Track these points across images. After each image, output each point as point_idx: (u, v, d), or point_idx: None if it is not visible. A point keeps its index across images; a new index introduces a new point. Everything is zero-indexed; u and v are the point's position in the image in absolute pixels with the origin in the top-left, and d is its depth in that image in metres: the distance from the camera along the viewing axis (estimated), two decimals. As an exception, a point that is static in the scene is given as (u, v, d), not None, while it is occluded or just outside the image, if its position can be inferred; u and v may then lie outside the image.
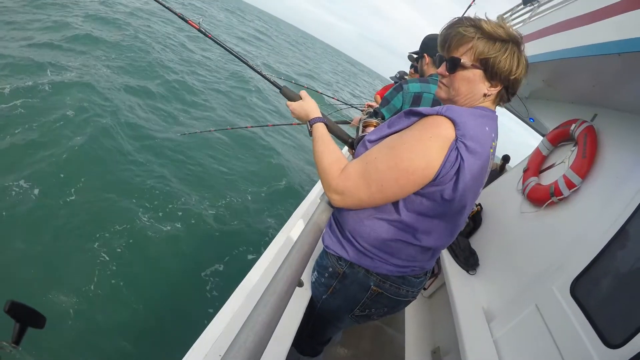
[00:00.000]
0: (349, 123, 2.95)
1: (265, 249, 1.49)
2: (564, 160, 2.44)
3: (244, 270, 1.33)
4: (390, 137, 0.86)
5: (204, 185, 5.05)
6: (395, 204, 0.86)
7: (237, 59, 1.20)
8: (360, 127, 1.21)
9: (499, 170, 5.25)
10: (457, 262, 2.48)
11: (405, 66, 3.09)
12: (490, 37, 0.82)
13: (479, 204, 2.88)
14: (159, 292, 3.25)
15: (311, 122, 1.04)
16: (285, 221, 1.78)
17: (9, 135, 4.16)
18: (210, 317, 1.06)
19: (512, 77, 0.84)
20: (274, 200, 5.49)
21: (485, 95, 0.87)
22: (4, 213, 3.27)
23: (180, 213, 4.28)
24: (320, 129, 1.01)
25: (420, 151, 0.77)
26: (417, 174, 0.78)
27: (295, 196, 5.70)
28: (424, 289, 2.70)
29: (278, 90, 1.15)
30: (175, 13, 1.23)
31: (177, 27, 13.63)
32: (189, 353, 0.95)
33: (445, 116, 0.78)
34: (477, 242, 2.70)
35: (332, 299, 1.06)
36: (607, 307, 1.43)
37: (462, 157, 0.77)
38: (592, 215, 1.91)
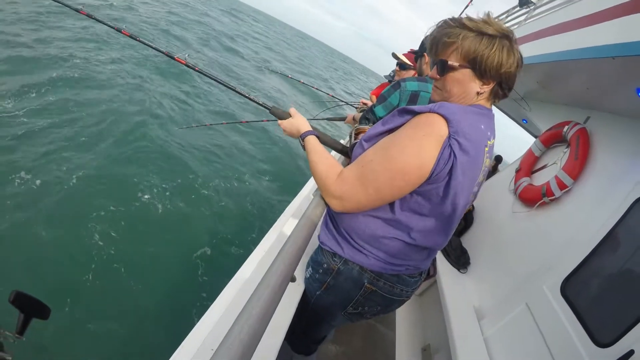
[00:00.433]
0: (344, 120, 2.95)
1: (257, 244, 1.47)
2: (556, 162, 2.47)
3: (238, 261, 1.31)
4: (384, 138, 0.85)
5: (200, 175, 5.08)
6: (390, 202, 0.86)
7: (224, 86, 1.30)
8: (353, 135, 1.24)
9: (492, 170, 5.30)
10: (449, 261, 2.49)
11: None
12: (476, 34, 0.82)
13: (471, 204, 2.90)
14: (153, 278, 3.25)
15: (302, 136, 1.07)
16: (278, 216, 1.76)
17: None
18: (203, 302, 1.04)
19: (503, 71, 0.83)
20: (268, 193, 5.54)
21: (478, 93, 0.86)
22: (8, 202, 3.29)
23: (178, 200, 4.36)
24: (311, 140, 1.04)
25: (414, 150, 0.77)
26: (412, 173, 0.77)
27: (289, 190, 5.73)
28: (416, 286, 2.70)
29: (267, 111, 1.21)
30: (161, 52, 1.36)
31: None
32: (183, 343, 0.94)
33: (438, 113, 0.77)
34: (469, 241, 2.71)
35: (326, 295, 1.06)
36: (597, 307, 1.45)
37: (454, 155, 0.76)
38: (583, 216, 1.93)
